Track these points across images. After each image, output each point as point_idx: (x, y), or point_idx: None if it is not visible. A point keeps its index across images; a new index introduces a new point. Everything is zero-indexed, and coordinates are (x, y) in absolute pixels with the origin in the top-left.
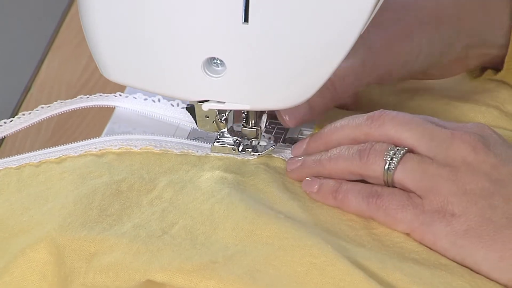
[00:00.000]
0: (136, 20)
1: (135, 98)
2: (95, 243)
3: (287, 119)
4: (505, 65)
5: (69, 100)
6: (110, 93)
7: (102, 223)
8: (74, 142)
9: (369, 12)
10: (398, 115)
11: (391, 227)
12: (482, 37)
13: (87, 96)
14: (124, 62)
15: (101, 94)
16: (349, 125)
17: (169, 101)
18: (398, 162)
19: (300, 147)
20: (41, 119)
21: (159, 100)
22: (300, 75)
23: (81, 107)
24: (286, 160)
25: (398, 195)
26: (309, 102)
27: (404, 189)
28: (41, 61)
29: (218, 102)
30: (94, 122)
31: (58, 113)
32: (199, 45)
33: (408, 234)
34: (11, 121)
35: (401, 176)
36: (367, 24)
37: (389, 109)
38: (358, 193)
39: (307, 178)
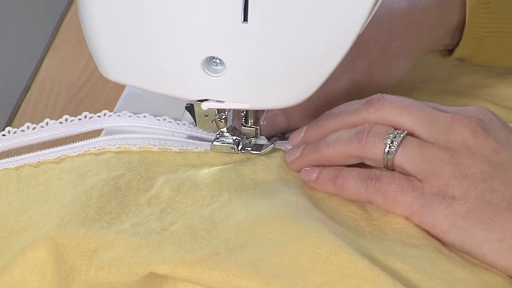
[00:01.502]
0: (136, 19)
1: (119, 116)
2: (94, 239)
3: (264, 124)
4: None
5: (55, 122)
6: (109, 93)
7: (101, 222)
8: (73, 142)
9: (368, 12)
10: (397, 99)
11: (390, 210)
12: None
13: (72, 119)
14: (123, 61)
15: (87, 113)
16: (347, 111)
17: (155, 117)
18: (398, 146)
19: (298, 135)
20: (24, 143)
21: (144, 116)
22: (300, 74)
23: (67, 135)
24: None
25: (398, 178)
26: (287, 114)
27: (404, 173)
28: (41, 60)
29: (218, 101)
30: None
31: (43, 139)
32: (199, 44)
33: (407, 218)
34: (15, 132)
35: (401, 159)
36: (366, 24)
37: None
38: (357, 177)
39: (305, 168)
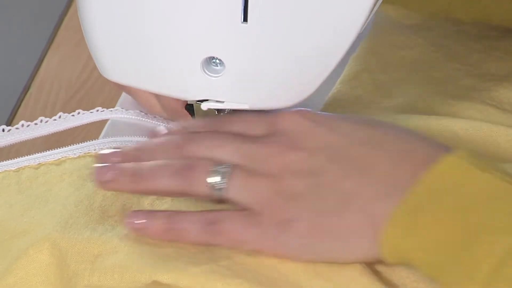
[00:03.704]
0: (135, 19)
1: (111, 111)
2: (98, 244)
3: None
4: None
5: (49, 119)
6: (109, 93)
7: (104, 224)
8: (72, 144)
9: (368, 12)
10: (210, 136)
11: (240, 249)
12: None
13: (66, 115)
14: (123, 61)
15: (80, 110)
16: (169, 147)
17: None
18: (226, 181)
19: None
20: (36, 135)
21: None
22: (299, 75)
23: (64, 128)
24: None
25: (237, 216)
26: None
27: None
28: (41, 60)
29: (217, 101)
30: (93, 123)
31: (40, 135)
32: (198, 44)
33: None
34: (10, 130)
35: (232, 195)
36: (366, 24)
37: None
38: (196, 223)
39: (129, 212)
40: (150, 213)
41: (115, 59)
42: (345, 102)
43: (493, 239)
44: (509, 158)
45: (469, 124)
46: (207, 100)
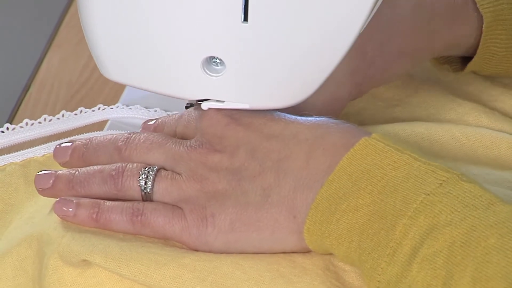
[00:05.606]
0: (136, 19)
1: (130, 109)
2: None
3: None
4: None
5: (52, 117)
6: (109, 93)
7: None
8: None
9: (369, 11)
10: (145, 140)
11: (165, 239)
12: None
13: (68, 114)
14: (123, 61)
15: (82, 108)
16: (105, 155)
17: (166, 112)
18: (153, 184)
19: (64, 154)
20: (23, 139)
21: (155, 111)
22: (300, 74)
23: (66, 129)
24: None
25: (162, 210)
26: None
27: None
28: (41, 60)
29: (218, 101)
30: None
31: (42, 135)
32: (199, 44)
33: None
34: (14, 128)
35: (159, 196)
36: (367, 23)
37: (394, 104)
38: (121, 213)
39: (58, 199)
40: (78, 202)
41: (116, 58)
42: (346, 105)
43: (410, 221)
44: (511, 165)
45: (471, 130)
46: (207, 99)
